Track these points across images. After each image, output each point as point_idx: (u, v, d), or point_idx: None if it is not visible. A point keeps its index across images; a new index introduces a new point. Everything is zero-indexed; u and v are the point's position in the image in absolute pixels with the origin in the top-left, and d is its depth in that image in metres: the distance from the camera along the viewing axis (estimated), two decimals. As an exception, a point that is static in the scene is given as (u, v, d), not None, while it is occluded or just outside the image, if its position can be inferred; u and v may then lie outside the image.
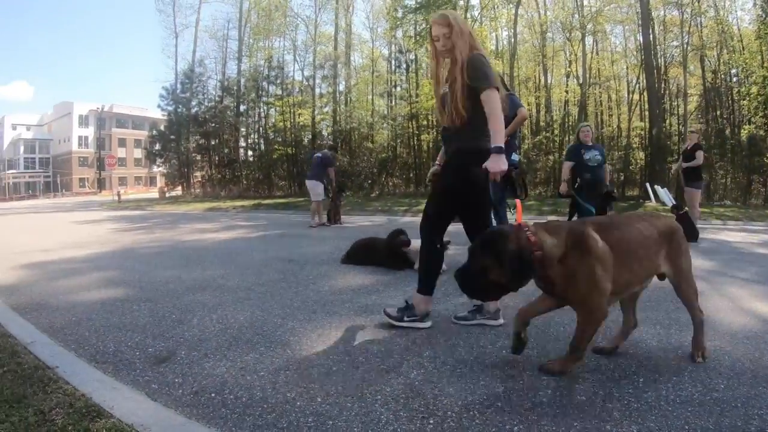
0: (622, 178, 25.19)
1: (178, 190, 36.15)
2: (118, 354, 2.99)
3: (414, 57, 31.06)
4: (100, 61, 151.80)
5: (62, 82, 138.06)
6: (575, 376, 2.62)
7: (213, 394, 2.44)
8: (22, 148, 74.35)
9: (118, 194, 31.64)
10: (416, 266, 5.54)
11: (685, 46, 25.74)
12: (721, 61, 25.56)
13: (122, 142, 73.68)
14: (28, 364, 2.76)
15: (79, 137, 72.58)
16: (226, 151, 34.11)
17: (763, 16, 22.67)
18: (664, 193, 18.30)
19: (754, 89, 22.94)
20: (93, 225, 13.09)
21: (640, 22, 25.15)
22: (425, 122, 30.27)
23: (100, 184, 61.19)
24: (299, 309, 4.04)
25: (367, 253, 6.01)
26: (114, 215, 13.83)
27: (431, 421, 2.17)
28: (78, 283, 5.25)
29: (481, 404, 2.33)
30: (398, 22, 30.31)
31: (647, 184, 20.71)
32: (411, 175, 29.85)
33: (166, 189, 36.89)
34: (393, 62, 33.00)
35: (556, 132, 27.88)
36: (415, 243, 5.76)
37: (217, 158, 34.21)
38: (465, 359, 2.89)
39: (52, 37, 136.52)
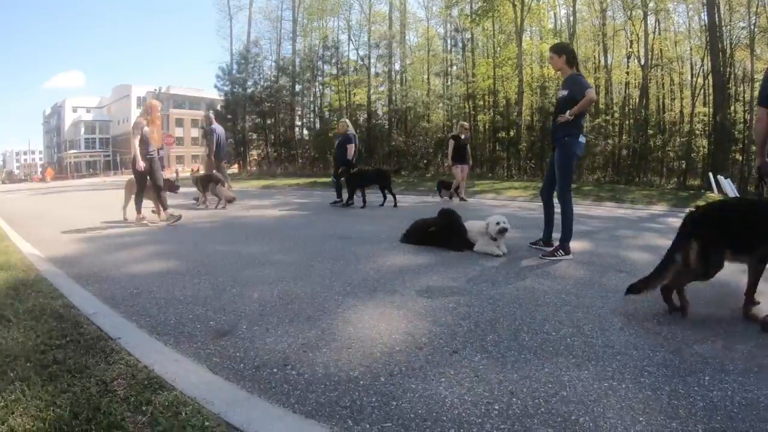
0: (684, 166, 24.29)
1: (235, 168, 36.84)
2: (179, 326, 3.01)
3: (470, 36, 30.62)
4: (153, 47, 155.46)
5: (115, 70, 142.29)
6: (642, 370, 2.51)
7: (275, 370, 2.41)
8: (82, 129, 77.62)
9: (177, 172, 32.46)
10: (476, 248, 5.45)
11: (753, 27, 24.43)
12: (791, 44, 24.20)
13: (180, 122, 75.65)
14: (90, 335, 2.79)
15: None
16: (281, 130, 34.58)
17: (839, -5, 21.35)
18: (727, 184, 17.55)
19: (825, 75, 21.71)
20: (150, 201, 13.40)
21: (704, 1, 24.02)
22: (481, 102, 29.90)
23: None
24: (360, 287, 3.99)
25: (426, 234, 5.91)
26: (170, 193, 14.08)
27: (496, 407, 2.11)
28: (137, 256, 5.37)
29: (546, 392, 2.25)
30: (454, 1, 29.90)
31: (710, 174, 19.89)
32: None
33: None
34: (449, 41, 32.73)
35: (616, 115, 26.99)
36: (474, 224, 5.68)
37: (273, 137, 34.70)
38: (529, 345, 2.80)
39: (106, 25, 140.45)
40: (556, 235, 5.50)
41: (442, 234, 5.76)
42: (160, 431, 1.85)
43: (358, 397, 2.16)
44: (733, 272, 4.83)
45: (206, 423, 1.91)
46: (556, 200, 5.56)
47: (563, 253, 5.27)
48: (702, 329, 3.13)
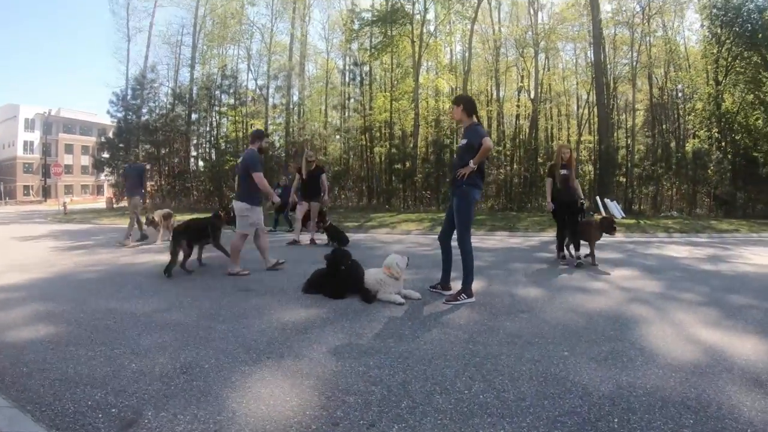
0: (572, 191, 25.92)
1: (125, 202, 34.98)
2: (79, 417, 2.78)
3: (368, 70, 31.26)
4: (43, 65, 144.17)
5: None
6: (554, 420, 2.65)
7: (189, 467, 2.29)
8: (-37, 154, 70.66)
9: (64, 205, 30.48)
10: (379, 296, 5.50)
11: (634, 63, 26.89)
12: (668, 78, 26.78)
13: (69, 149, 70.85)
14: (-19, 436, 2.54)
15: (25, 142, 68.85)
16: (176, 161, 33.37)
17: (710, 36, 23.85)
18: (614, 206, 18.90)
19: (699, 105, 24.19)
20: (36, 242, 12.46)
21: (591, 41, 26.07)
22: (378, 135, 30.42)
23: (45, 193, 58.79)
24: (266, 352, 3.90)
25: (328, 283, 5.88)
26: (58, 230, 13.24)
27: (421, 481, 2.10)
28: (21, 317, 4.89)
29: (466, 457, 2.28)
30: (354, 35, 30.53)
31: (597, 197, 21.37)
32: (363, 187, 29.87)
33: (114, 199, 35.63)
34: (347, 74, 33.17)
35: (507, 146, 28.48)
36: (370, 272, 5.76)
37: (167, 168, 33.38)
38: (444, 408, 2.86)
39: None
40: (454, 275, 5.76)
41: (342, 282, 5.80)
42: None
43: (278, 490, 2.10)
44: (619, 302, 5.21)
45: None
46: (454, 243, 5.75)
47: (466, 297, 5.46)
48: (604, 368, 3.35)
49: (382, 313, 5.07)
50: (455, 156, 5.94)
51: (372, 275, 5.74)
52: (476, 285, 5.87)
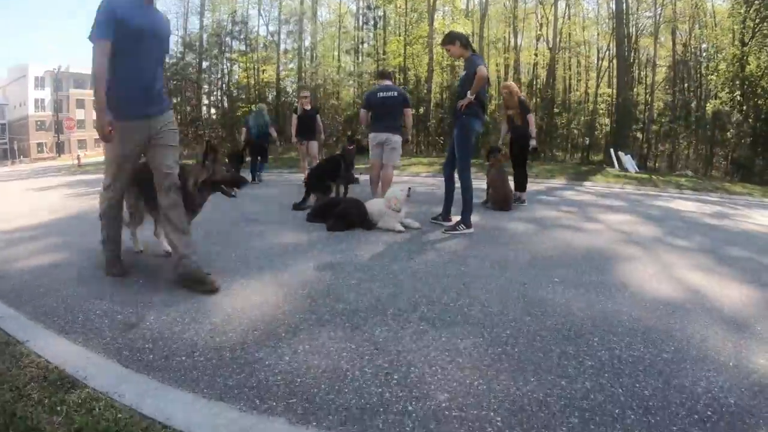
0: (587, 142, 25.67)
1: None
2: (87, 323, 2.97)
3: (382, 13, 30.65)
4: (51, 22, 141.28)
5: (5, 48, 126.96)
6: (534, 334, 2.76)
7: (184, 358, 2.49)
8: (-26, 115, 70.47)
9: (78, 158, 30.52)
10: (380, 225, 5.65)
11: (658, 17, 26.04)
12: (692, 35, 25.97)
13: (81, 104, 69.72)
14: (-1, 340, 2.73)
15: (36, 100, 67.66)
16: (188, 109, 33.31)
17: (737, -5, 22.87)
18: (628, 159, 18.69)
19: (722, 65, 23.34)
20: (51, 191, 12.58)
21: (614, -11, 25.23)
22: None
23: (59, 149, 58.78)
24: (266, 268, 4.09)
25: (331, 213, 6.00)
26: (72, 180, 13.41)
27: (395, 377, 2.28)
28: (40, 250, 5.05)
29: (442, 360, 2.44)
30: (368, -23, 29.83)
31: (611, 150, 21.09)
32: (376, 131, 29.68)
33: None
34: (360, 18, 32.58)
35: (523, 93, 28.06)
36: (374, 203, 5.92)
37: (179, 117, 33.36)
38: (428, 317, 3.01)
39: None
40: (455, 210, 5.84)
41: (345, 212, 5.91)
42: (77, 429, 1.89)
43: (264, 377, 2.28)
44: (614, 242, 5.26)
45: (119, 415, 1.97)
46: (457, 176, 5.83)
47: (464, 227, 5.56)
48: (592, 295, 3.45)
49: (381, 239, 5.24)
50: (459, 88, 5.92)
51: (374, 205, 5.89)
52: (476, 219, 5.97)
